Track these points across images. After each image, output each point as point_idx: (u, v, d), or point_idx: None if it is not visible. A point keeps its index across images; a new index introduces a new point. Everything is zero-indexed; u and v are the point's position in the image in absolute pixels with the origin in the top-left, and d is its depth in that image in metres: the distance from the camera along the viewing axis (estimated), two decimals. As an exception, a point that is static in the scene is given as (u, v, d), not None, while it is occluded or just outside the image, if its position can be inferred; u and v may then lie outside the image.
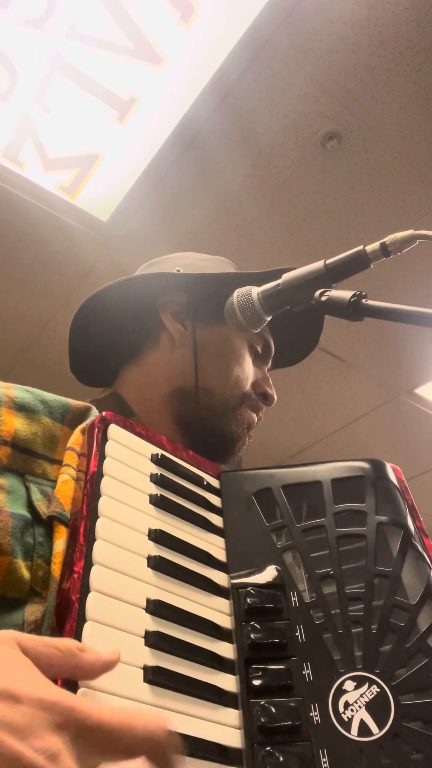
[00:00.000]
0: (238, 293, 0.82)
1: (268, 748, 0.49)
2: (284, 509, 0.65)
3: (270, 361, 0.99)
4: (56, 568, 0.55)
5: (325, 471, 0.69)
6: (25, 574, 0.55)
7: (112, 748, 0.36)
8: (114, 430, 0.64)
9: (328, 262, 0.76)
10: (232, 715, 0.52)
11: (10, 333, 2.97)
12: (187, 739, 0.47)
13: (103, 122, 2.13)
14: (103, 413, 0.66)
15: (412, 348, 3.05)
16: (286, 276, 0.79)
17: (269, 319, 0.82)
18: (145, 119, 2.12)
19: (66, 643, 0.41)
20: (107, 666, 0.43)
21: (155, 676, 0.48)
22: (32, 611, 0.54)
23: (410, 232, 0.72)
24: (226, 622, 0.59)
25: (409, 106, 2.13)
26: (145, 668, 0.49)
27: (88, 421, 0.68)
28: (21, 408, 0.68)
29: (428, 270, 2.67)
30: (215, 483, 0.72)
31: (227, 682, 0.54)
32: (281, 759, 0.48)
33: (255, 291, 0.81)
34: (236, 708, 0.53)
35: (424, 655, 0.53)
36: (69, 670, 0.41)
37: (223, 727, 0.51)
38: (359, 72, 2.04)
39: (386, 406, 3.45)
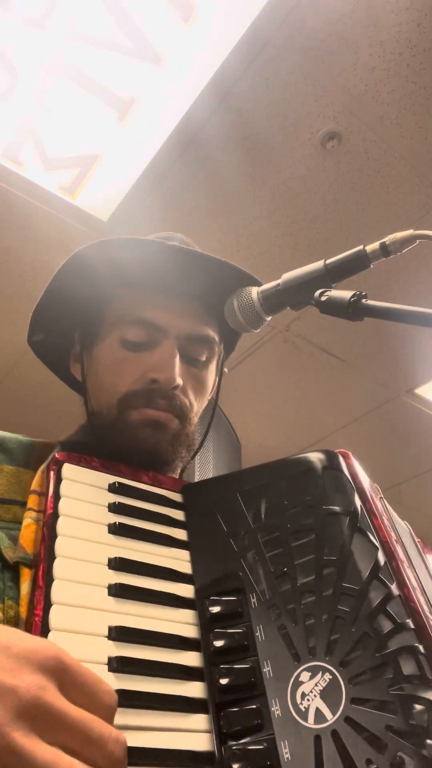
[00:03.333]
0: (238, 293, 0.82)
1: (233, 746, 0.52)
2: (241, 514, 0.67)
3: (167, 337, 0.83)
4: (23, 610, 0.58)
5: (277, 469, 0.70)
6: None
7: (83, 693, 0.43)
8: (68, 469, 0.66)
9: (328, 262, 0.76)
10: (202, 721, 0.54)
11: (8, 333, 2.97)
12: (159, 752, 0.50)
13: (103, 122, 2.13)
14: (56, 454, 0.67)
15: (412, 348, 3.05)
16: (286, 276, 0.79)
17: (269, 319, 0.82)
18: (145, 119, 2.12)
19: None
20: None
21: (120, 699, 0.49)
22: None
23: (410, 232, 0.72)
24: (192, 632, 0.60)
25: (409, 106, 2.13)
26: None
27: (47, 462, 0.68)
28: None
29: (428, 270, 2.67)
30: (178, 498, 0.73)
31: (195, 689, 0.56)
32: (247, 755, 0.51)
33: (255, 291, 0.81)
34: (206, 713, 0.55)
35: (370, 636, 0.55)
36: None
37: (194, 733, 0.53)
38: (359, 72, 2.04)
39: (386, 406, 3.45)
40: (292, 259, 2.67)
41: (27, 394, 3.15)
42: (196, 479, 1.64)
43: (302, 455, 0.70)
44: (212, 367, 0.91)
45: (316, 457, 0.69)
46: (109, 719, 0.44)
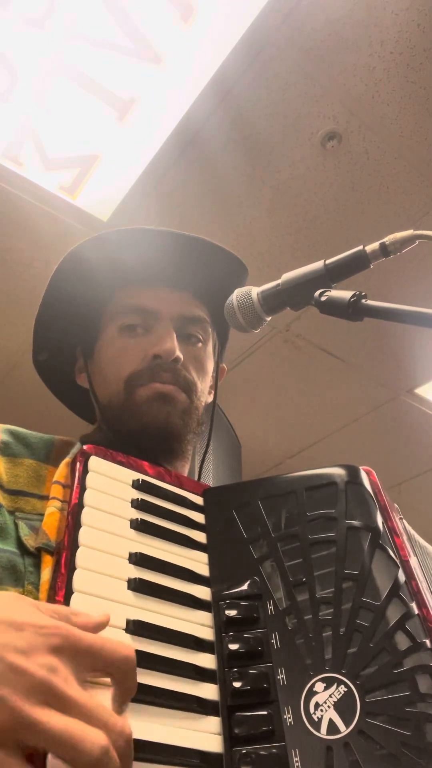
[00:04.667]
0: (238, 293, 0.82)
1: (244, 751, 0.52)
2: (262, 522, 0.67)
3: (161, 319, 0.86)
4: (43, 596, 0.59)
5: (300, 480, 0.70)
6: None
7: (96, 666, 0.44)
8: (94, 462, 0.67)
9: (327, 262, 0.76)
10: (213, 723, 0.55)
11: (8, 333, 2.97)
12: (169, 748, 0.50)
13: (103, 122, 2.13)
14: (84, 447, 0.69)
15: (412, 348, 3.05)
16: (285, 276, 0.79)
17: (269, 319, 0.82)
18: (145, 119, 2.12)
19: (62, 608, 0.48)
20: (98, 628, 0.49)
21: (136, 694, 0.50)
22: None
23: (410, 232, 0.72)
24: (207, 633, 0.61)
25: (409, 106, 2.13)
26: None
27: (70, 455, 0.71)
28: (3, 452, 0.73)
29: (428, 270, 2.67)
30: (199, 500, 0.74)
31: (208, 691, 0.57)
32: (257, 760, 0.52)
33: (254, 291, 0.81)
34: (217, 715, 0.55)
35: (388, 653, 0.55)
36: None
37: (204, 734, 0.54)
38: (359, 72, 2.04)
39: (386, 406, 3.45)
40: (292, 259, 2.67)
41: (27, 394, 3.15)
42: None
43: (325, 469, 0.71)
44: (209, 350, 0.93)
45: (339, 472, 0.70)
46: (131, 678, 0.46)
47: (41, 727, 0.38)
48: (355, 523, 0.64)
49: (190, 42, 1.94)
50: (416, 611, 0.58)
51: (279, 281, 0.79)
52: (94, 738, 0.39)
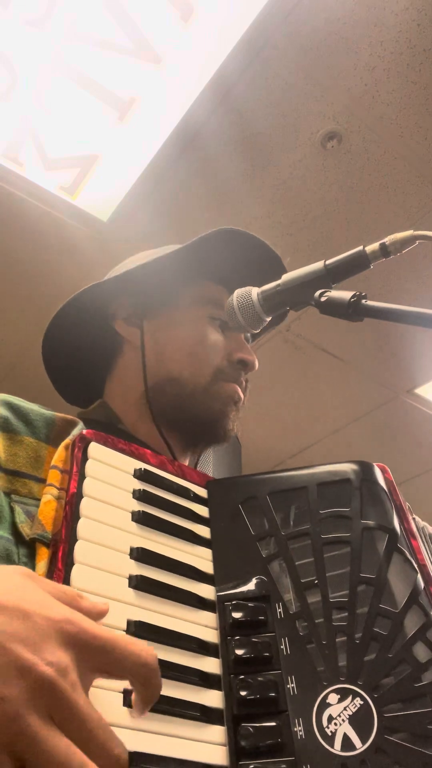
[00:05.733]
0: (238, 293, 0.82)
1: (251, 765, 0.49)
2: (270, 517, 0.63)
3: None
4: None
5: (312, 476, 0.66)
6: None
7: (108, 668, 0.40)
8: (94, 449, 0.63)
9: (327, 262, 0.76)
10: (218, 733, 0.51)
11: (9, 333, 2.97)
12: (170, 761, 0.47)
13: (103, 122, 2.13)
14: (84, 431, 0.65)
15: (412, 348, 3.05)
16: (285, 276, 0.79)
17: (269, 319, 0.82)
18: (145, 119, 2.12)
19: (69, 589, 0.44)
20: (100, 615, 0.45)
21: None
22: None
23: (410, 232, 0.72)
24: (212, 636, 0.57)
25: (409, 106, 2.13)
26: (125, 691, 0.48)
27: (71, 437, 0.67)
28: (2, 428, 0.67)
29: (428, 270, 2.67)
30: (203, 493, 0.70)
31: (213, 698, 0.53)
32: None
33: (255, 291, 0.81)
34: (222, 725, 0.52)
35: (408, 664, 0.52)
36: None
37: (208, 745, 0.50)
38: (359, 72, 2.04)
39: (386, 406, 3.45)
40: (292, 260, 2.67)
41: (27, 394, 3.15)
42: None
43: (338, 464, 0.67)
44: None
45: (353, 468, 0.66)
46: (154, 683, 0.42)
47: (41, 747, 0.34)
48: (371, 523, 0.61)
49: (190, 42, 1.93)
50: None
51: (279, 281, 0.79)
52: None
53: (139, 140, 2.19)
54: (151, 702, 0.43)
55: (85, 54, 1.96)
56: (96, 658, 0.40)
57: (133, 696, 0.43)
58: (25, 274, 2.69)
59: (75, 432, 0.71)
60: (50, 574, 0.54)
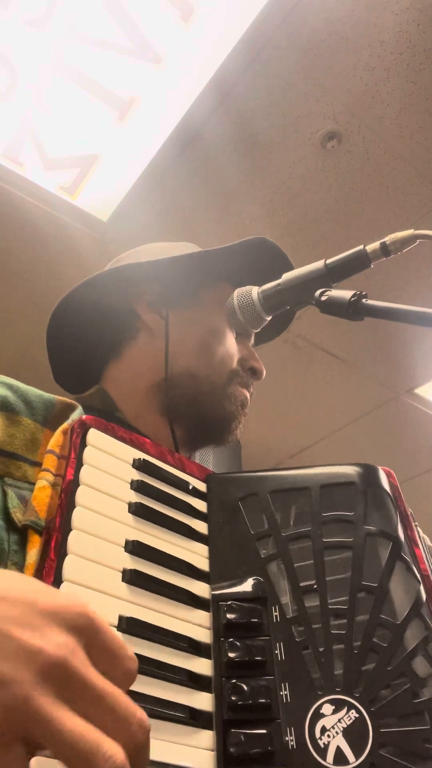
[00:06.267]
0: (238, 293, 0.82)
1: None
2: (270, 517, 0.61)
3: (253, 338, 1.00)
4: None
5: (315, 476, 0.64)
6: None
7: (108, 656, 0.38)
8: (93, 435, 0.61)
9: (328, 261, 0.76)
10: (206, 737, 0.49)
11: (9, 334, 2.97)
12: (154, 764, 0.45)
13: (103, 122, 2.13)
14: (83, 417, 0.63)
15: (412, 348, 3.05)
16: (286, 276, 0.79)
17: (269, 318, 0.82)
18: (145, 119, 2.12)
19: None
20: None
21: None
22: None
23: (410, 231, 0.72)
24: (205, 636, 0.56)
25: (409, 106, 2.13)
26: None
27: (69, 422, 0.64)
28: (1, 407, 0.65)
29: (428, 270, 2.67)
30: (202, 487, 0.67)
31: (202, 701, 0.52)
32: None
33: (255, 291, 0.81)
34: (210, 729, 0.50)
35: (407, 678, 0.50)
36: None
37: (195, 749, 0.49)
38: (359, 72, 2.04)
39: (386, 406, 3.45)
40: (292, 259, 2.67)
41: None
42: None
43: (343, 466, 0.65)
44: None
45: (358, 471, 0.65)
46: (127, 687, 0.39)
47: (54, 728, 0.33)
48: (374, 529, 0.59)
49: (190, 42, 1.94)
50: None
51: (279, 281, 0.79)
52: (111, 752, 0.33)
53: (139, 140, 2.19)
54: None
55: (85, 54, 1.96)
56: (102, 651, 0.38)
57: None
58: (24, 274, 2.69)
59: (74, 416, 0.69)
60: (42, 564, 0.53)
